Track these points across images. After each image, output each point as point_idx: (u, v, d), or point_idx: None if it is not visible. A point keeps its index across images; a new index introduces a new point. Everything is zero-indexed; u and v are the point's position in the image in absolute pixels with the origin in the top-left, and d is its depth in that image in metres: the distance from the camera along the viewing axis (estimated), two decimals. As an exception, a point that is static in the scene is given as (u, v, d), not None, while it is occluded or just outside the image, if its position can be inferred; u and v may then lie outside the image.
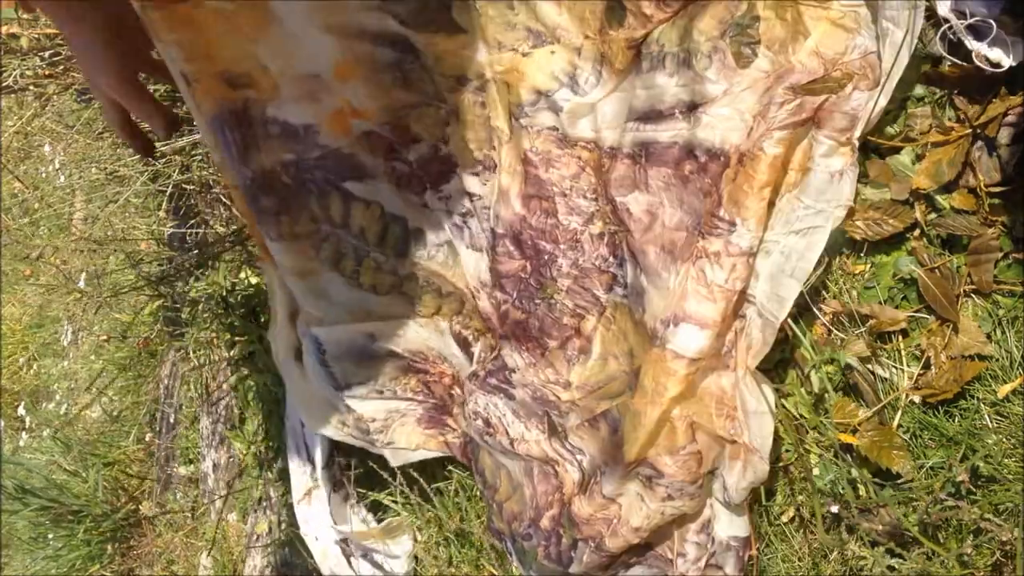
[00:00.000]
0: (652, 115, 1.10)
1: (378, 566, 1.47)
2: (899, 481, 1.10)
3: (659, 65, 1.07)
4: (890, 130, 1.11)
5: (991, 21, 0.98)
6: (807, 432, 1.18)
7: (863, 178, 1.14)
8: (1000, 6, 0.98)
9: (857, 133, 1.02)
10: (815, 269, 1.07)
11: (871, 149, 1.13)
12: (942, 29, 1.02)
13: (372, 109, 1.18)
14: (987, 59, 1.00)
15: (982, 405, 1.07)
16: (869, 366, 1.13)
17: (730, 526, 1.15)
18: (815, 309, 1.16)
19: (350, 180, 1.22)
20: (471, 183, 1.24)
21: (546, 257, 1.21)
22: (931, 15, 1.05)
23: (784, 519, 1.21)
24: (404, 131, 1.20)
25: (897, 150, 1.11)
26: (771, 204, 1.04)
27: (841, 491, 1.12)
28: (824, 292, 1.17)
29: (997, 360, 1.06)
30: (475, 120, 1.20)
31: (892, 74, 1.00)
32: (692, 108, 1.07)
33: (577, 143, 1.17)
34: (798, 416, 1.18)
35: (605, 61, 1.11)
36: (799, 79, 1.00)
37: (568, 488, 1.19)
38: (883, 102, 1.02)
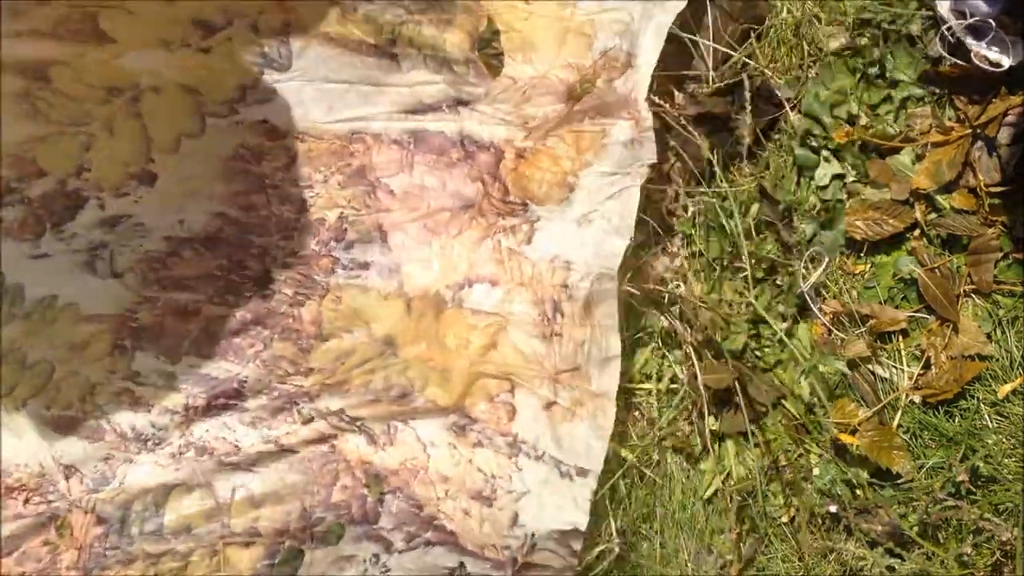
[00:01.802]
0: (420, 108, 1.20)
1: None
2: (899, 481, 1.10)
3: (420, 66, 1.18)
4: (890, 130, 1.11)
5: (991, 21, 0.98)
6: (806, 433, 1.18)
7: (863, 178, 1.14)
8: (1000, 6, 0.98)
9: (641, 109, 1.14)
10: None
11: (871, 149, 1.13)
12: (942, 29, 1.02)
13: None
14: (987, 59, 1.00)
15: (982, 405, 1.07)
16: (869, 366, 1.13)
17: (551, 519, 1.19)
18: (815, 309, 1.16)
19: None
20: (117, 206, 1.18)
21: (255, 250, 1.22)
22: (931, 15, 1.05)
23: (783, 519, 1.21)
24: (29, 165, 1.14)
25: (897, 150, 1.11)
26: (571, 187, 1.18)
27: (839, 492, 1.13)
28: (824, 292, 1.17)
29: (997, 360, 1.06)
30: (131, 132, 1.16)
31: (645, 49, 1.15)
32: (459, 104, 1.19)
33: (288, 134, 1.20)
34: (797, 416, 1.18)
35: (292, 28, 1.14)
36: (558, 87, 1.16)
37: (353, 455, 1.22)
38: (645, 79, 1.14)
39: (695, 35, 1.22)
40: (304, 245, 1.22)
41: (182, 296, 1.22)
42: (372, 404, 1.23)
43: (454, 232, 1.22)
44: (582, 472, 1.19)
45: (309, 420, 1.23)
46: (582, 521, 1.18)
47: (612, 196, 1.18)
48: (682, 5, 1.13)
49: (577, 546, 1.20)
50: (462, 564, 1.21)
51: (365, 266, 1.23)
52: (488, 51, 1.17)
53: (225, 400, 1.22)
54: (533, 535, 1.20)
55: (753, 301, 1.20)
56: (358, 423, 1.23)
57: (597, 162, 1.17)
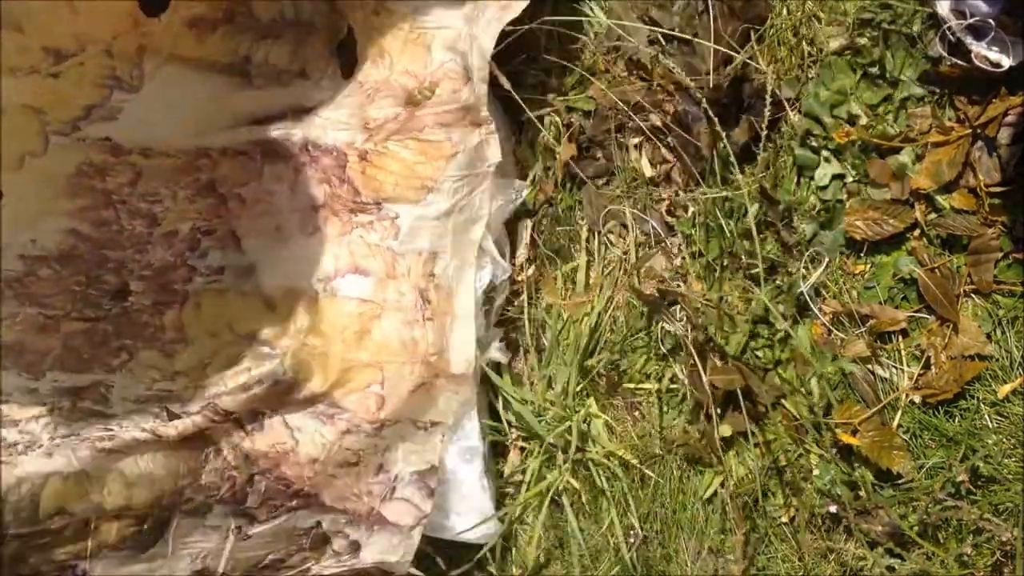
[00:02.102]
0: (265, 119, 1.25)
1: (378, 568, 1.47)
2: (899, 481, 1.10)
3: (272, 80, 1.24)
4: (890, 130, 1.11)
5: (991, 21, 0.98)
6: (806, 433, 1.18)
7: (863, 178, 1.14)
8: (1000, 6, 0.98)
9: (482, 113, 1.24)
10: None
11: (871, 149, 1.13)
12: (942, 29, 1.02)
13: None
14: (987, 59, 1.00)
15: (982, 405, 1.07)
16: (869, 366, 1.13)
17: (412, 462, 1.29)
18: (815, 309, 1.16)
19: None
20: None
21: (111, 265, 1.24)
22: (931, 15, 1.05)
23: (783, 519, 1.21)
24: None
25: (897, 150, 1.11)
26: (429, 189, 1.26)
27: (839, 492, 1.13)
28: (824, 292, 1.17)
29: (997, 360, 1.06)
30: None
31: (478, 65, 1.24)
32: (303, 112, 1.25)
33: (132, 151, 1.21)
34: (798, 416, 1.18)
35: (146, 51, 1.16)
36: (399, 92, 1.25)
37: (224, 441, 1.26)
38: (481, 89, 1.24)
39: (695, 35, 1.22)
40: (159, 257, 1.25)
41: (41, 313, 1.23)
42: (243, 401, 1.26)
43: (309, 231, 1.28)
44: (435, 424, 1.30)
45: (175, 417, 1.26)
46: (436, 460, 1.30)
47: (467, 194, 1.28)
48: (499, 28, 1.21)
49: (433, 484, 1.30)
50: (318, 523, 1.31)
51: (220, 271, 1.28)
52: (344, 56, 1.26)
53: (92, 407, 1.24)
54: (396, 478, 1.30)
55: (762, 298, 1.20)
56: (230, 415, 1.27)
57: (450, 167, 1.26)
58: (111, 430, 1.22)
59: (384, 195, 1.27)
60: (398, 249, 1.29)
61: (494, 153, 1.27)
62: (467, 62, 1.25)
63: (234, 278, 1.29)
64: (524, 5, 1.21)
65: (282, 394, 1.27)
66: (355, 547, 1.33)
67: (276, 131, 1.26)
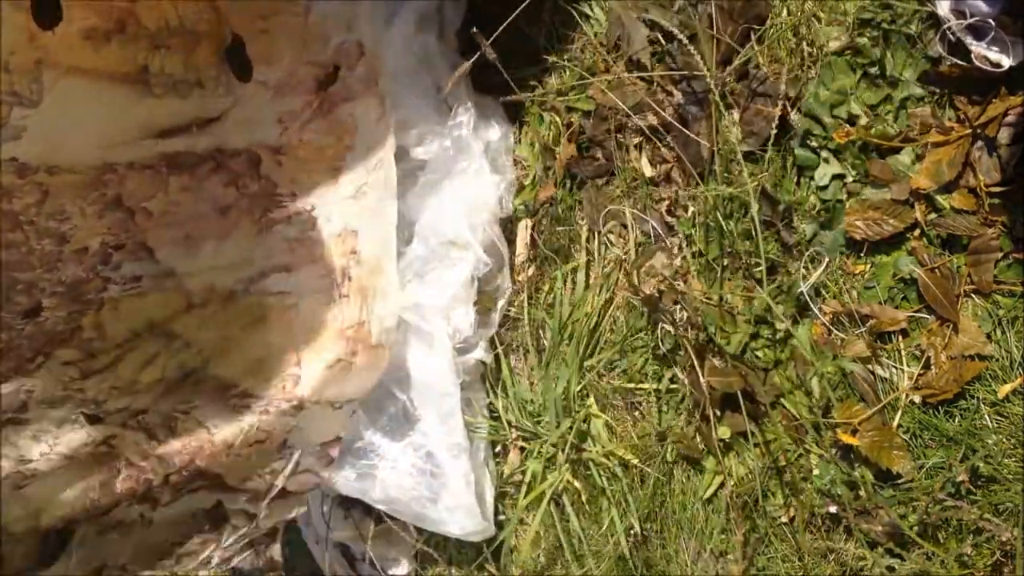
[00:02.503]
0: (170, 131, 1.25)
1: (379, 569, 1.47)
2: (899, 481, 1.10)
3: (171, 91, 1.24)
4: (890, 130, 1.11)
5: (991, 21, 0.98)
6: (806, 433, 1.17)
7: (863, 178, 1.14)
8: (1000, 6, 0.98)
9: (382, 87, 1.30)
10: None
11: (871, 149, 1.12)
12: (942, 29, 1.02)
13: None
14: (987, 59, 1.00)
15: (982, 405, 1.07)
16: (869, 366, 1.13)
17: (318, 435, 1.33)
18: (815, 309, 1.16)
19: None
20: None
21: (21, 286, 1.22)
22: (931, 15, 1.05)
23: (783, 519, 1.21)
24: None
25: (897, 150, 1.11)
26: (339, 170, 1.31)
27: (839, 492, 1.13)
28: (824, 292, 1.17)
29: (997, 360, 1.06)
30: None
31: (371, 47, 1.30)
32: (208, 121, 1.26)
33: (39, 169, 1.19)
34: (797, 416, 1.18)
35: (44, 64, 1.14)
36: (307, 82, 1.28)
37: (134, 453, 1.27)
38: (375, 62, 1.30)
39: (696, 35, 1.22)
40: (71, 273, 1.24)
41: None
42: (158, 397, 1.28)
43: (222, 235, 1.30)
44: (349, 401, 1.34)
45: (96, 420, 1.27)
46: (342, 431, 1.34)
47: (374, 168, 1.32)
48: None
49: (334, 453, 1.35)
50: (219, 502, 1.33)
51: (138, 279, 1.28)
52: (235, 60, 1.27)
53: (11, 414, 1.24)
54: (299, 453, 1.33)
55: (764, 296, 1.20)
56: (140, 418, 1.28)
57: (356, 144, 1.31)
58: (21, 458, 1.22)
59: (301, 184, 1.31)
60: (317, 237, 1.32)
61: (384, 137, 1.32)
62: (361, 37, 1.30)
63: (153, 281, 1.31)
64: None
65: (196, 387, 1.29)
66: (251, 518, 1.37)
67: (181, 143, 1.28)
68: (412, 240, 1.44)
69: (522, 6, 1.23)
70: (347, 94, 1.31)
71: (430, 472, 1.40)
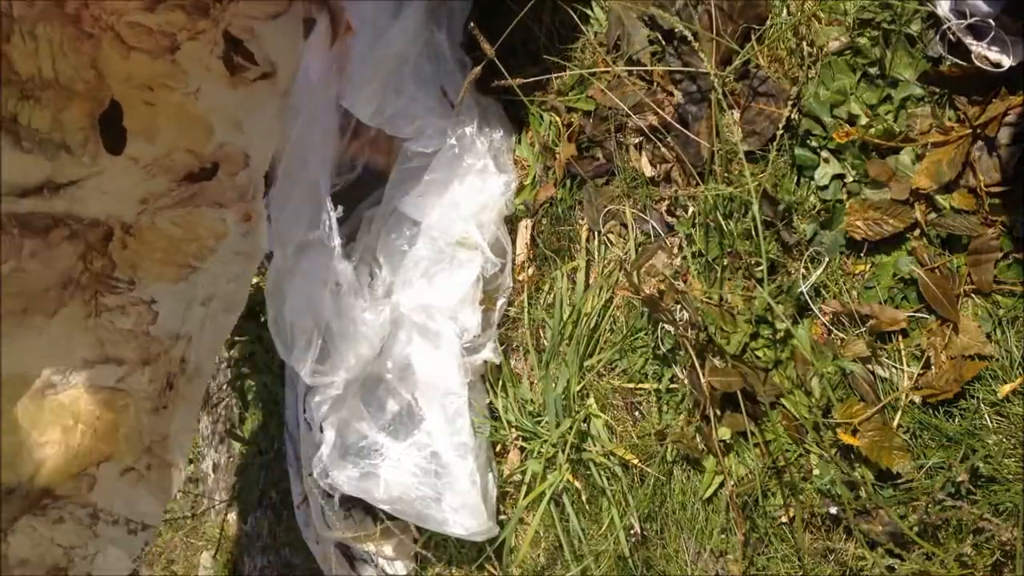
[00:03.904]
0: (27, 191, 1.16)
1: (379, 569, 1.47)
2: (899, 481, 1.10)
3: (37, 147, 1.15)
4: (890, 130, 1.11)
5: (991, 21, 0.98)
6: (806, 433, 1.17)
7: (863, 178, 1.14)
8: (1000, 6, 0.98)
9: (257, 201, 1.25)
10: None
11: (871, 149, 1.12)
12: (942, 29, 1.02)
13: None
14: (987, 59, 1.00)
15: (982, 405, 1.07)
16: (869, 366, 1.13)
17: (117, 568, 1.25)
18: (815, 309, 1.16)
19: None
20: None
21: None
22: (931, 15, 1.05)
23: (783, 519, 1.21)
24: None
25: (897, 150, 1.11)
26: (193, 269, 1.24)
27: (839, 492, 1.12)
28: (824, 292, 1.17)
29: (997, 360, 1.06)
30: None
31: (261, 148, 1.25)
32: (62, 185, 1.16)
33: None
34: (797, 416, 1.18)
35: None
36: (179, 170, 1.21)
37: None
38: (258, 177, 1.25)
39: (696, 35, 1.22)
40: None
41: None
42: None
43: (51, 311, 1.20)
44: (145, 527, 1.28)
45: None
46: (129, 568, 1.27)
47: (231, 279, 1.29)
48: (277, 124, 1.23)
49: None
50: None
51: None
52: (108, 128, 1.20)
53: None
54: None
55: (764, 296, 1.20)
56: None
57: (220, 248, 1.26)
58: None
59: (142, 273, 1.23)
60: (154, 333, 1.25)
61: (262, 240, 1.29)
62: (248, 147, 1.24)
63: None
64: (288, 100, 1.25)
65: None
66: None
67: (35, 205, 1.18)
68: (417, 241, 1.42)
69: (531, 3, 1.23)
70: (220, 199, 1.25)
71: (434, 472, 1.39)
